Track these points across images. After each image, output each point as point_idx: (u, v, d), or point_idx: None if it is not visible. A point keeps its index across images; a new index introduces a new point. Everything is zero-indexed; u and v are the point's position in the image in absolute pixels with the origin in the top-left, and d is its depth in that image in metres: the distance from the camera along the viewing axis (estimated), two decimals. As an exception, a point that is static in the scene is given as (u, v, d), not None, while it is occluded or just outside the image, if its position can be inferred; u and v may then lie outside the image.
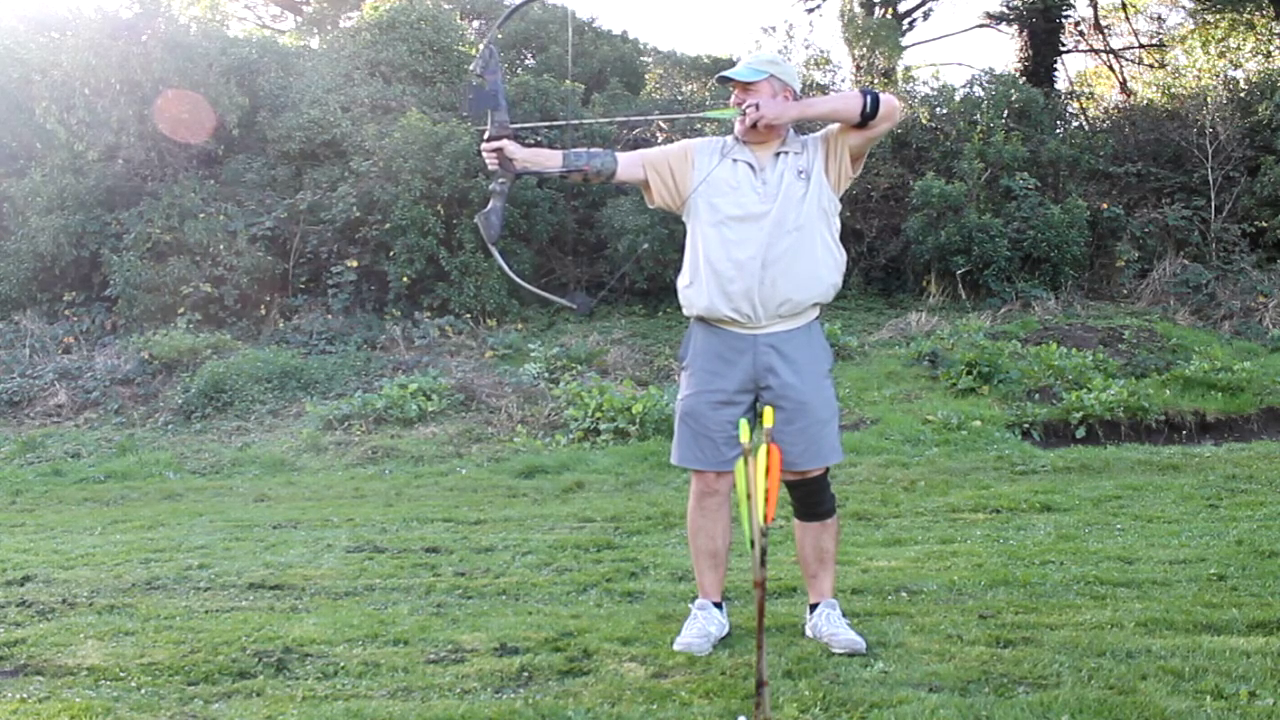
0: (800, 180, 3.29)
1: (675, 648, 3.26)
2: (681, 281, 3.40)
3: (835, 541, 3.47)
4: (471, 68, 3.01)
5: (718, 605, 3.43)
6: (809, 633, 3.36)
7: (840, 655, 3.15)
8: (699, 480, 3.38)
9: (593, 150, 3.39)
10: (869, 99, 3.18)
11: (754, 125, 3.21)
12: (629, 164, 3.38)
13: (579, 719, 2.74)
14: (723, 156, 3.36)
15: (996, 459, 6.74)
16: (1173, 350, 9.56)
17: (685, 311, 3.39)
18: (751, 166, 3.32)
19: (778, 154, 3.33)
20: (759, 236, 3.23)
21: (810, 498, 3.37)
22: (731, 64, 17.41)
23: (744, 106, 3.21)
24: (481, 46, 3.23)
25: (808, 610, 3.42)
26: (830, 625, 3.28)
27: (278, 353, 9.79)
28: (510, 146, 3.28)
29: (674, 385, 9.34)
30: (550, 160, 3.35)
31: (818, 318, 3.38)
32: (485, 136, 3.29)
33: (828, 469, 3.37)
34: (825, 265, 3.30)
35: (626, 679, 3.02)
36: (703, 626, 3.33)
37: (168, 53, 11.20)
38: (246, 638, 3.52)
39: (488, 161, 3.30)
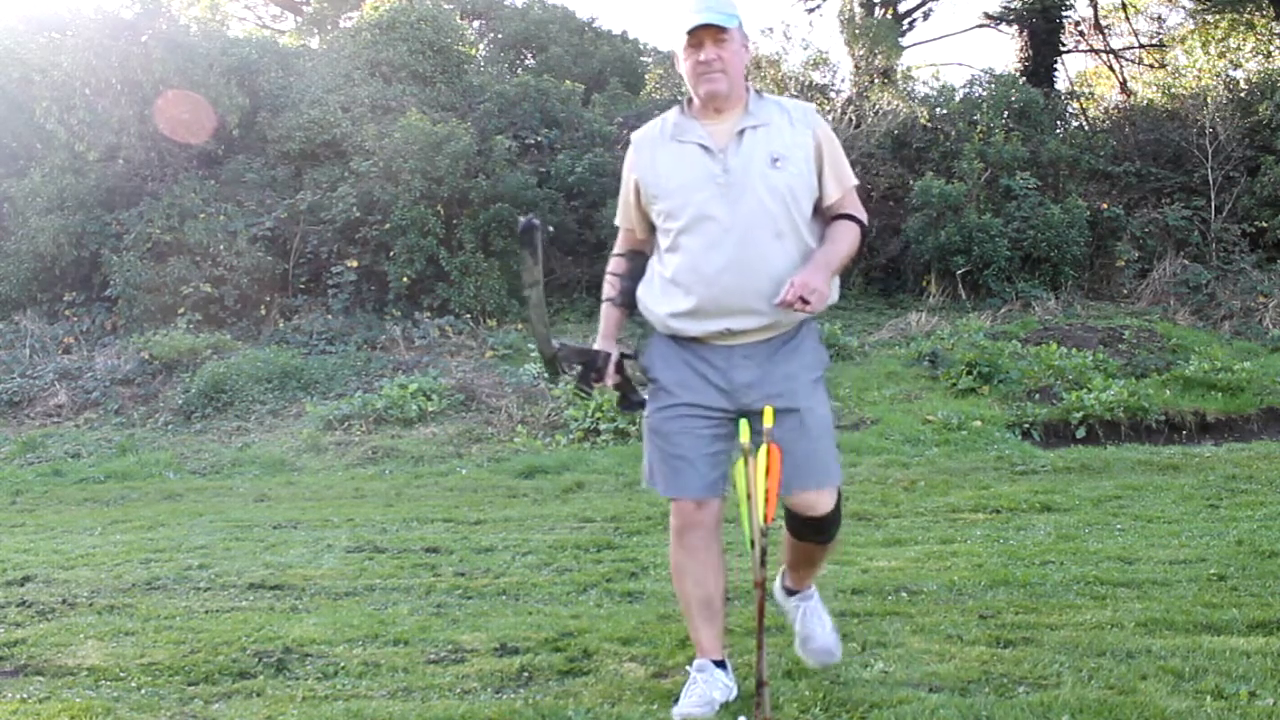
0: (776, 169, 2.65)
1: (675, 717, 2.72)
2: (640, 288, 2.85)
3: (829, 554, 3.08)
4: (557, 354, 2.78)
5: (720, 664, 2.83)
6: (781, 603, 3.11)
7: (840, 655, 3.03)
8: (676, 511, 2.79)
9: (620, 274, 2.91)
10: (864, 234, 2.82)
11: (802, 302, 2.58)
12: (628, 241, 2.90)
13: (579, 719, 2.74)
14: (666, 140, 2.73)
15: (996, 459, 6.74)
16: (1173, 350, 9.55)
17: (654, 326, 2.84)
18: (706, 149, 2.67)
19: (741, 131, 2.67)
20: (726, 244, 2.63)
21: (819, 534, 2.87)
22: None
23: (795, 295, 2.57)
24: (555, 350, 2.84)
25: (780, 581, 3.12)
26: (807, 621, 2.99)
27: (278, 353, 9.79)
28: (613, 369, 2.85)
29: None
30: (617, 321, 2.93)
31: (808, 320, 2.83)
32: (600, 379, 2.87)
33: (839, 501, 2.83)
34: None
35: (626, 679, 3.02)
36: (704, 692, 2.74)
37: (168, 53, 11.20)
38: (246, 638, 3.53)
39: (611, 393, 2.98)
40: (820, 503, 2.76)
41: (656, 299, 2.78)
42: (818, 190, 2.73)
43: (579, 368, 2.84)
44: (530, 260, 2.72)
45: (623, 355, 2.87)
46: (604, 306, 2.92)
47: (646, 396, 2.85)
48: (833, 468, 2.77)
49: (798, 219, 2.70)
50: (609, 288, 2.89)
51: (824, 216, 2.78)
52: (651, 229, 2.81)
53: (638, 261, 2.86)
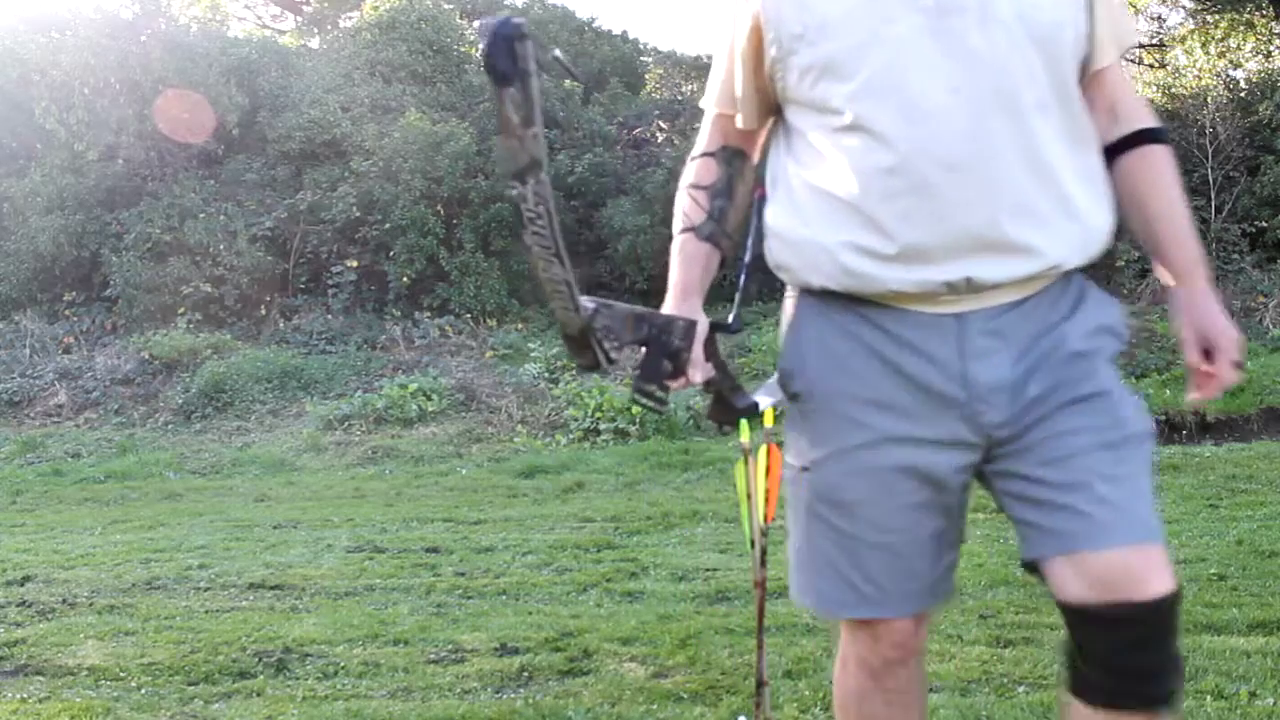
0: None
1: None
2: (774, 211, 1.52)
3: None
4: (589, 325, 1.45)
5: None
6: None
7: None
8: (875, 642, 1.54)
9: (709, 185, 1.61)
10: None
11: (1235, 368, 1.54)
12: (723, 132, 1.60)
13: (579, 719, 2.74)
14: None
15: (996, 459, 6.73)
16: (1173, 350, 9.55)
17: (781, 275, 1.54)
18: None
19: None
20: (953, 119, 1.36)
21: (1136, 654, 1.36)
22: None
23: (1229, 366, 1.53)
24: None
25: None
26: None
27: (278, 353, 9.80)
28: (703, 351, 1.54)
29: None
30: (704, 266, 1.59)
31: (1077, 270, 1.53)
32: (679, 372, 1.54)
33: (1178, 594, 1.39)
34: (1083, 181, 1.46)
35: (626, 679, 3.02)
36: None
37: (167, 53, 11.21)
38: (246, 638, 3.52)
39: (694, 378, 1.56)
40: (1148, 571, 1.35)
41: (815, 222, 1.44)
42: (1085, 44, 1.44)
43: (643, 350, 1.50)
44: (515, 111, 1.16)
45: (715, 325, 1.57)
46: (680, 241, 1.59)
47: (761, 397, 1.64)
48: (1151, 508, 1.42)
49: (1067, 83, 1.42)
50: (691, 210, 1.59)
51: (1089, 100, 1.48)
52: (771, 110, 1.55)
53: (738, 167, 1.60)
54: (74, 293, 11.16)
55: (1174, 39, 18.98)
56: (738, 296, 1.66)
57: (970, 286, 1.40)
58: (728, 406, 1.63)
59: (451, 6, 15.11)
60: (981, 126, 1.36)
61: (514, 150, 1.18)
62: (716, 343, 1.58)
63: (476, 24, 1.28)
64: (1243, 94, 13.54)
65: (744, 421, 2.37)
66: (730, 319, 1.62)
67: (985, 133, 1.36)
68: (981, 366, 1.43)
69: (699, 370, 1.53)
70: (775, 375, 1.61)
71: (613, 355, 1.48)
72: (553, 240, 1.26)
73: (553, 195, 1.22)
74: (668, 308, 1.55)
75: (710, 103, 1.63)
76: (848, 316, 1.47)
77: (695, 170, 1.62)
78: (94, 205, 11.20)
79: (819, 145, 1.44)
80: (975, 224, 1.37)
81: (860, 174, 1.39)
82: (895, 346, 1.44)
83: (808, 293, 1.52)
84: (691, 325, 1.52)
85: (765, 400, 1.65)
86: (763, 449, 2.57)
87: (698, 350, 1.52)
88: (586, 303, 1.43)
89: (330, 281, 10.98)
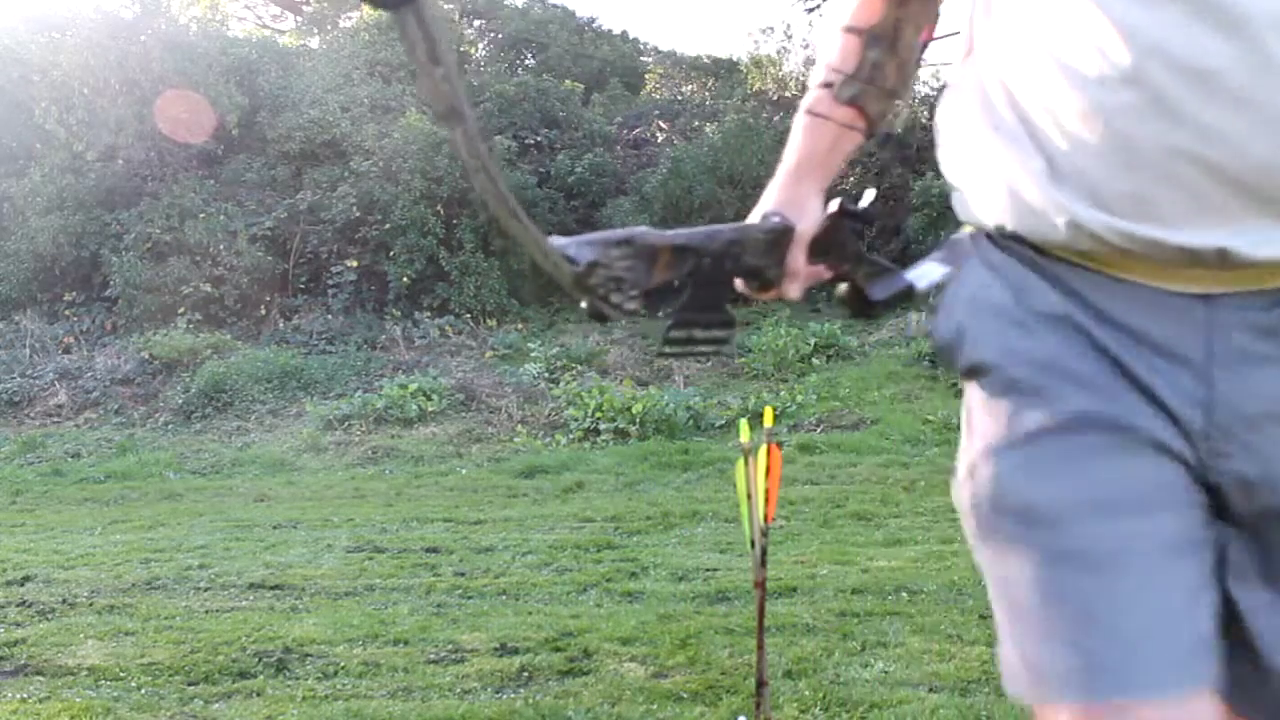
0: None
1: None
2: (947, 112, 1.02)
3: None
4: (583, 276, 0.99)
5: None
6: None
7: (841, 655, 3.13)
8: None
9: (869, 28, 1.13)
10: None
11: None
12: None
13: (579, 719, 2.75)
14: None
15: (996, 459, 6.73)
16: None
17: (972, 219, 0.99)
18: None
19: None
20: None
21: None
22: (733, 64, 17.31)
23: None
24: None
25: None
26: None
27: (278, 353, 9.80)
28: (798, 271, 1.10)
29: (672, 386, 9.36)
30: (831, 144, 1.12)
31: None
32: (769, 283, 1.13)
33: None
34: None
35: (626, 679, 3.02)
36: None
37: (167, 53, 11.22)
38: (246, 638, 3.53)
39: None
40: None
41: (1006, 128, 0.92)
42: None
43: (688, 290, 1.16)
44: (417, 42, 0.65)
45: (845, 210, 1.15)
46: (810, 101, 1.15)
47: (928, 265, 1.13)
48: None
49: None
50: (835, 61, 1.13)
51: None
52: None
53: (911, 9, 1.13)
54: (74, 293, 11.16)
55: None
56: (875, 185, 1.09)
57: (1224, 262, 0.85)
58: (863, 298, 1.19)
59: (451, 6, 15.12)
60: (1261, 14, 0.80)
61: (429, 90, 0.83)
62: (843, 231, 1.16)
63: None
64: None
65: (744, 421, 2.39)
66: (866, 202, 1.16)
67: (1265, 28, 0.80)
68: (1238, 379, 0.87)
69: (796, 283, 1.12)
70: (947, 245, 1.13)
71: (627, 306, 1.08)
72: (501, 198, 0.88)
73: (488, 152, 0.85)
74: (772, 191, 1.15)
75: None
76: (1034, 278, 0.93)
77: (854, 6, 1.15)
78: (94, 205, 11.20)
79: (1028, 15, 0.93)
80: (1242, 168, 0.83)
81: (1075, 76, 0.87)
82: (1105, 330, 0.90)
83: (984, 236, 0.99)
84: (783, 231, 1.10)
85: (930, 274, 1.12)
86: (762, 449, 2.57)
87: (795, 259, 1.11)
88: (583, 252, 1.08)
89: (330, 281, 10.98)
